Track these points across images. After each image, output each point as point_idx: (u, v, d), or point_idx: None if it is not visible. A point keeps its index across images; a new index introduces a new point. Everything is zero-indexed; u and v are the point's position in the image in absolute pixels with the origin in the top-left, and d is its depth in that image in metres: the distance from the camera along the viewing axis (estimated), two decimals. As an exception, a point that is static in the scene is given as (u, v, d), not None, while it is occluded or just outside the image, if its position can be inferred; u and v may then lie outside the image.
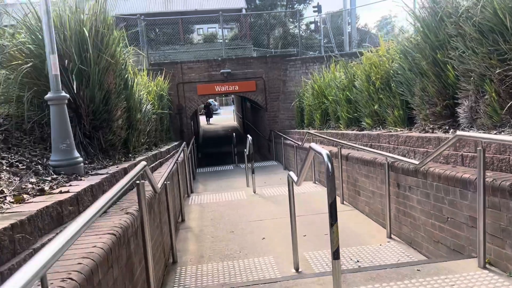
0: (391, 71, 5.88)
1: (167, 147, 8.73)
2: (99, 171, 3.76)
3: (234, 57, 14.10)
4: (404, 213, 4.52)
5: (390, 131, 5.67)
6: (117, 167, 4.21)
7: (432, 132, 4.67)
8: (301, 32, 28.35)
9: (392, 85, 5.82)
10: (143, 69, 8.95)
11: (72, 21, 4.45)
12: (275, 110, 14.20)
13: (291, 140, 10.34)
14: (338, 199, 6.50)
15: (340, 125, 8.03)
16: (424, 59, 4.83)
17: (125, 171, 4.19)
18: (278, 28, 27.32)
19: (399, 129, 5.61)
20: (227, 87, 13.80)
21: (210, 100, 51.11)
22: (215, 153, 18.68)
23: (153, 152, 6.57)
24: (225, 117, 35.43)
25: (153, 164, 6.02)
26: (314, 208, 6.19)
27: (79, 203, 2.70)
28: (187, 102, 13.84)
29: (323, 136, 7.58)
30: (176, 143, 10.93)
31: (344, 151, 6.37)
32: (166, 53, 18.16)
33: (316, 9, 24.44)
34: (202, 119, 31.54)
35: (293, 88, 13.60)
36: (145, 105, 7.25)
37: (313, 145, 3.02)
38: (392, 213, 4.77)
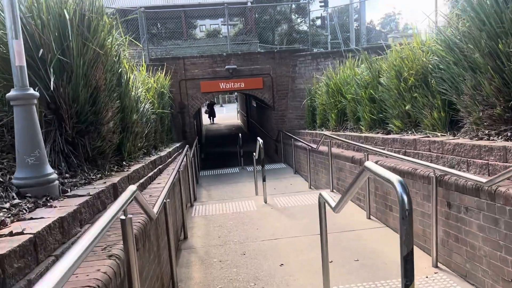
0: (429, 66, 5.03)
1: (168, 150, 7.91)
2: (78, 191, 2.94)
3: (239, 53, 13.27)
4: (457, 239, 3.69)
5: (429, 136, 4.83)
6: (105, 182, 3.39)
7: (489, 139, 3.83)
8: (307, 28, 27.51)
9: (431, 82, 4.98)
10: (142, 64, 8.12)
11: (50, 1, 3.63)
12: (283, 108, 13.36)
13: (303, 142, 9.51)
14: (362, 213, 5.70)
15: (361, 127, 7.19)
16: (478, 51, 3.99)
17: (115, 188, 3.38)
18: (283, 24, 26.45)
19: (439, 134, 4.77)
20: (232, 84, 12.97)
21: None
22: (219, 153, 17.87)
23: (152, 158, 5.75)
24: (229, 115, 34.54)
25: (151, 173, 5.21)
26: (337, 224, 5.37)
27: (38, 249, 1.88)
28: (190, 100, 13.02)
29: (342, 139, 6.74)
30: (178, 145, 10.12)
31: (372, 158, 5.53)
32: (168, 48, 17.33)
33: (322, 3, 23.59)
34: (205, 117, 30.73)
35: (303, 85, 12.76)
36: (143, 104, 6.44)
37: (370, 164, 2.19)
38: (439, 237, 3.94)
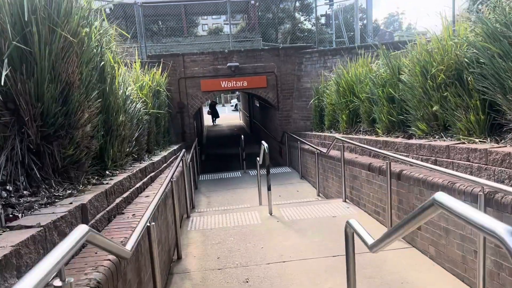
0: (465, 60, 4.30)
1: (163, 154, 7.20)
2: (29, 218, 2.22)
3: (242, 49, 12.54)
4: (514, 273, 2.96)
5: (464, 143, 4.10)
6: (71, 202, 2.68)
7: (550, 149, 3.11)
8: (311, 26, 26.75)
9: (467, 79, 4.25)
10: (136, 60, 7.42)
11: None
12: (288, 109, 12.63)
13: (311, 145, 8.77)
14: (381, 229, 4.97)
15: (377, 130, 6.46)
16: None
17: (84, 211, 2.67)
18: (287, 22, 25.72)
19: (476, 140, 4.04)
20: (234, 82, 12.25)
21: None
22: (220, 155, 17.15)
23: (142, 165, 5.04)
24: (231, 116, 33.79)
25: (140, 183, 4.50)
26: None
27: None
28: (190, 100, 12.30)
29: (358, 144, 6.01)
30: (176, 147, 9.41)
31: (394, 167, 4.80)
32: (168, 46, 16.63)
33: (328, 0, 22.85)
34: (206, 117, 29.97)
35: (309, 84, 12.02)
36: (134, 104, 5.73)
37: (445, 198, 1.45)
38: (486, 267, 3.21)
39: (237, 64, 12.06)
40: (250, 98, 21.67)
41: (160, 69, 8.69)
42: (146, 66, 8.14)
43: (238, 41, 16.56)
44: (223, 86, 12.27)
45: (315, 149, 8.24)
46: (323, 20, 27.56)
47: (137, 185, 4.41)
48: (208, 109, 30.45)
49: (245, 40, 17.42)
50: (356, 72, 7.74)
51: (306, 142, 9.28)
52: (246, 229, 5.43)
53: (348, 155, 6.53)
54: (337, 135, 7.25)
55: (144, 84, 6.85)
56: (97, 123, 3.88)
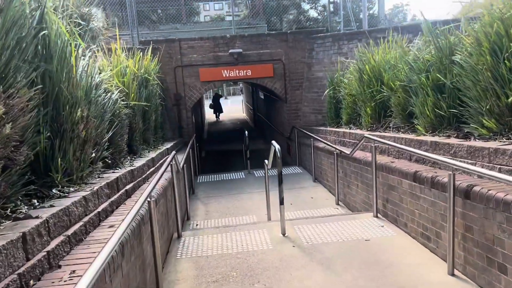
0: None
1: (151, 155, 5.92)
2: None
3: (246, 34, 11.17)
4: None
5: None
6: None
7: None
8: (317, 14, 25.29)
9: None
10: (117, 38, 6.09)
11: None
12: (297, 101, 11.28)
13: (327, 144, 7.44)
14: (437, 264, 3.68)
15: (417, 127, 5.13)
16: None
17: None
18: (292, 10, 24.27)
19: None
20: (237, 71, 10.90)
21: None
22: (222, 152, 15.84)
23: (113, 176, 3.74)
24: (233, 108, 32.27)
25: (105, 204, 3.21)
26: (397, 282, 3.35)
27: None
28: (187, 91, 10.98)
29: (398, 146, 4.66)
30: (170, 145, 8.12)
31: (458, 179, 3.48)
32: (166, 33, 15.26)
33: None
34: (209, 111, 28.54)
35: (321, 73, 10.67)
36: (108, 95, 4.43)
37: None
38: None
39: (240, 50, 10.70)
40: (254, 90, 20.30)
41: (149, 54, 7.35)
42: (137, 53, 6.80)
43: (242, 28, 15.16)
44: (224, 75, 10.93)
45: (333, 149, 6.91)
46: (331, 8, 26.07)
47: (101, 208, 3.12)
48: (210, 102, 27.62)
49: (249, 27, 16.03)
50: (386, 57, 6.38)
51: (321, 139, 7.95)
52: (253, 258, 4.13)
53: (381, 158, 5.20)
54: (365, 133, 5.91)
55: (126, 71, 5.52)
56: (30, 121, 2.58)
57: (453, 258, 3.51)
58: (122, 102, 4.99)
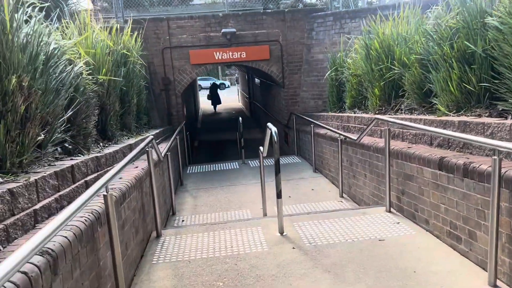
0: None
1: (130, 142, 5.14)
2: None
3: (240, 13, 10.33)
4: None
5: None
6: None
7: None
8: (315, 0, 24.37)
9: None
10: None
11: None
12: (295, 86, 10.50)
13: (330, 130, 6.69)
14: (465, 263, 2.95)
15: (438, 107, 4.37)
16: None
17: None
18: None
19: None
20: (230, 54, 10.08)
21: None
22: (216, 142, 15.06)
23: (71, 162, 2.97)
24: (229, 98, 31.36)
25: (50, 200, 2.45)
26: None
27: None
28: (177, 75, 10.16)
29: (419, 126, 3.87)
30: (157, 132, 7.34)
31: (505, 167, 2.73)
32: (155, 17, 14.38)
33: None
34: (204, 100, 27.64)
35: (321, 55, 9.88)
36: (68, 67, 3.64)
37: None
38: None
39: (233, 30, 9.88)
40: (250, 77, 19.47)
41: (128, 29, 6.52)
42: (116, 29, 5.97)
43: (236, 10, 14.29)
44: (217, 58, 10.11)
45: (337, 135, 6.15)
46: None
47: (41, 204, 2.35)
48: (208, 93, 25.59)
49: (244, 9, 15.14)
50: (398, 29, 5.61)
51: (324, 125, 7.18)
52: (245, 263, 3.39)
53: (395, 144, 4.45)
54: (381, 116, 5.15)
55: (95, 41, 4.71)
56: None
57: (496, 265, 2.78)
58: (90, 77, 4.20)
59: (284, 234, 3.94)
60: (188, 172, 8.59)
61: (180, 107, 10.38)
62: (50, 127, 3.07)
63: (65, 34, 4.65)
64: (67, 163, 3.01)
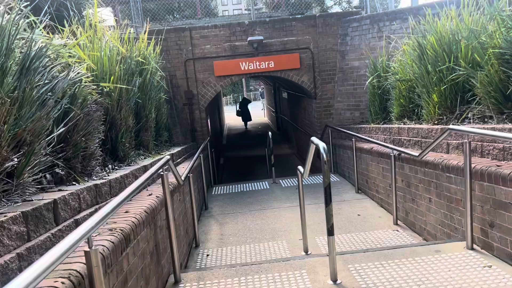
0: None
1: (145, 162, 4.37)
2: None
3: (267, 19, 9.59)
4: None
5: None
6: None
7: None
8: (341, 10, 23.58)
9: None
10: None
11: None
12: (328, 96, 9.60)
13: (379, 144, 5.72)
14: None
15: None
16: None
17: None
18: (315, 5, 22.65)
19: None
20: (257, 64, 9.32)
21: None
22: (243, 159, 14.24)
23: (52, 197, 2.17)
24: (254, 113, 30.59)
25: (7, 258, 1.63)
26: None
27: None
28: (200, 88, 9.46)
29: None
30: (179, 150, 6.60)
31: None
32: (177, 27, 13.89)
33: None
34: (229, 116, 27.02)
35: (357, 62, 8.98)
36: (47, 71, 2.90)
37: None
38: None
39: (261, 38, 9.13)
40: (276, 91, 18.68)
41: (145, 35, 5.83)
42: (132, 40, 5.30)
43: (262, 18, 13.60)
44: (243, 68, 9.36)
45: (388, 150, 5.20)
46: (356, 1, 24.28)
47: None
48: (237, 108, 23.87)
49: (270, 17, 14.46)
50: (465, 20, 4.66)
51: (367, 138, 6.23)
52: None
53: (475, 161, 3.47)
54: (454, 126, 4.19)
55: (103, 45, 3.98)
56: None
57: None
58: (94, 86, 3.45)
59: (338, 282, 3.01)
60: (213, 193, 7.76)
61: (205, 122, 9.64)
62: (28, 148, 2.30)
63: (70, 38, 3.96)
64: (50, 196, 2.22)
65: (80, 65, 3.25)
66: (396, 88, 6.27)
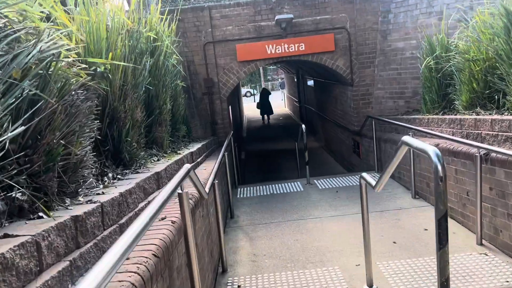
0: None
1: (158, 167, 3.35)
2: None
3: (297, -5, 8.41)
4: None
5: None
6: None
7: None
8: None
9: None
10: None
11: None
12: (367, 83, 8.41)
13: (453, 140, 4.55)
14: None
15: None
16: None
17: None
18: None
19: None
20: (286, 46, 8.18)
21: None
22: (265, 153, 13.17)
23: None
24: (273, 104, 29.27)
25: None
26: None
27: None
28: (221, 75, 8.39)
29: None
30: (198, 146, 5.59)
31: None
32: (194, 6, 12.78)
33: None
34: (249, 106, 25.87)
35: (402, 43, 7.76)
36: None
37: None
38: None
39: (290, 16, 7.97)
40: (300, 79, 17.46)
41: (158, 6, 4.76)
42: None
43: None
44: (269, 52, 8.23)
45: (468, 147, 4.04)
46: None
47: None
48: (257, 101, 21.33)
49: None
50: None
51: (432, 132, 5.06)
52: None
53: None
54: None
55: (97, 8, 2.92)
56: None
57: None
58: (82, 65, 2.41)
59: None
60: (238, 196, 6.72)
61: (226, 114, 8.58)
62: None
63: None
64: None
65: (59, 33, 2.20)
66: (464, 71, 5.07)
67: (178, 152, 4.84)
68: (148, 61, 4.11)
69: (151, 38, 4.23)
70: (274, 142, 14.69)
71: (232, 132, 8.23)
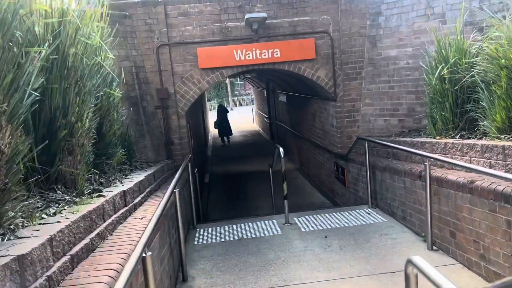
0: None
1: (45, 234, 1.73)
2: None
3: (272, -8, 7.07)
4: None
5: None
6: None
7: None
8: None
9: None
10: None
11: None
12: (352, 98, 7.12)
13: (498, 176, 3.19)
14: None
15: None
16: None
17: None
18: None
19: None
20: (258, 52, 6.77)
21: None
22: (234, 175, 11.61)
23: None
24: (241, 119, 27.84)
25: None
26: None
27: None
28: (179, 85, 6.85)
29: None
30: (142, 177, 4.01)
31: None
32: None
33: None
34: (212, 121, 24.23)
35: (394, 51, 6.55)
36: None
37: None
38: None
39: (263, 15, 6.59)
40: (270, 94, 16.13)
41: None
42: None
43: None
44: (238, 59, 6.80)
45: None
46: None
47: None
48: (214, 120, 18.23)
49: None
50: None
51: (458, 163, 3.71)
52: None
53: None
54: None
55: None
56: None
57: None
58: None
59: None
60: (196, 242, 5.11)
61: (185, 132, 7.01)
62: None
63: None
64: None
65: None
66: (498, 81, 3.81)
67: (103, 191, 3.25)
68: (45, 51, 2.55)
69: (49, 14, 2.67)
70: (243, 162, 13.18)
71: (191, 156, 6.66)
